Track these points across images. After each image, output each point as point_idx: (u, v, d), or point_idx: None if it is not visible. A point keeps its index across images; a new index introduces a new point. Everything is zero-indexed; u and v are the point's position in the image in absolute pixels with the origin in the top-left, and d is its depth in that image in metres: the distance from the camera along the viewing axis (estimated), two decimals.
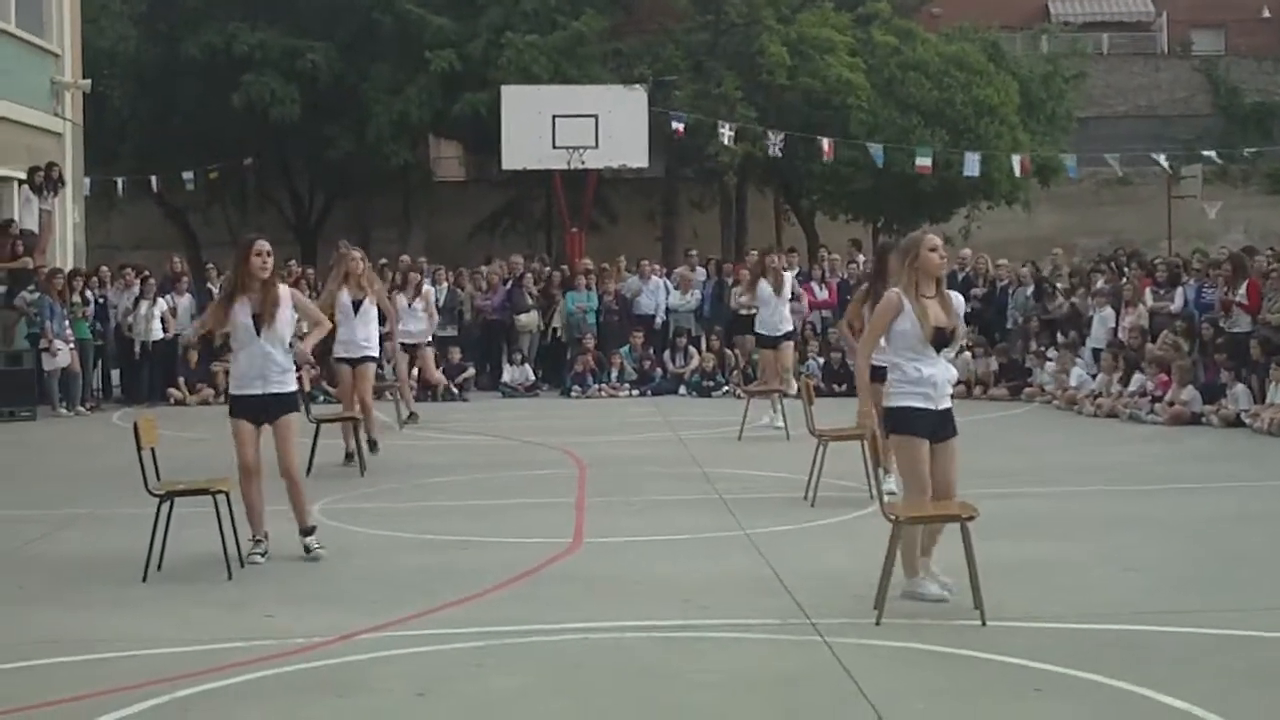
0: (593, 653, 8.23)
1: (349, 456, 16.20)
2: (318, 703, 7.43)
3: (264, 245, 10.91)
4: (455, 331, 26.82)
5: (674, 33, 38.49)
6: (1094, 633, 8.44)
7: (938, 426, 9.13)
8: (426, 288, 21.73)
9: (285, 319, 10.87)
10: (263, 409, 10.77)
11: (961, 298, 9.50)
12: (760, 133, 34.79)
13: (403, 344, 20.59)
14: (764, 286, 19.54)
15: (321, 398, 23.40)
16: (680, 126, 34.00)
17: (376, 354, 17.12)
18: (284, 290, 11.01)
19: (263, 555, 10.77)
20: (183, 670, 7.83)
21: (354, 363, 16.48)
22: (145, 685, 7.58)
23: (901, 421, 9.16)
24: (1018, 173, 35.45)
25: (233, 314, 10.80)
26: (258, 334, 10.72)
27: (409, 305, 20.67)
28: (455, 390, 25.25)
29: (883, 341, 9.32)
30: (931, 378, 9.08)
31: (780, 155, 34.77)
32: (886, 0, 39.77)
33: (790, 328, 20.39)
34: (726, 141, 34.56)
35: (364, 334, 16.49)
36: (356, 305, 16.32)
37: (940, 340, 9.09)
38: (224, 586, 10.04)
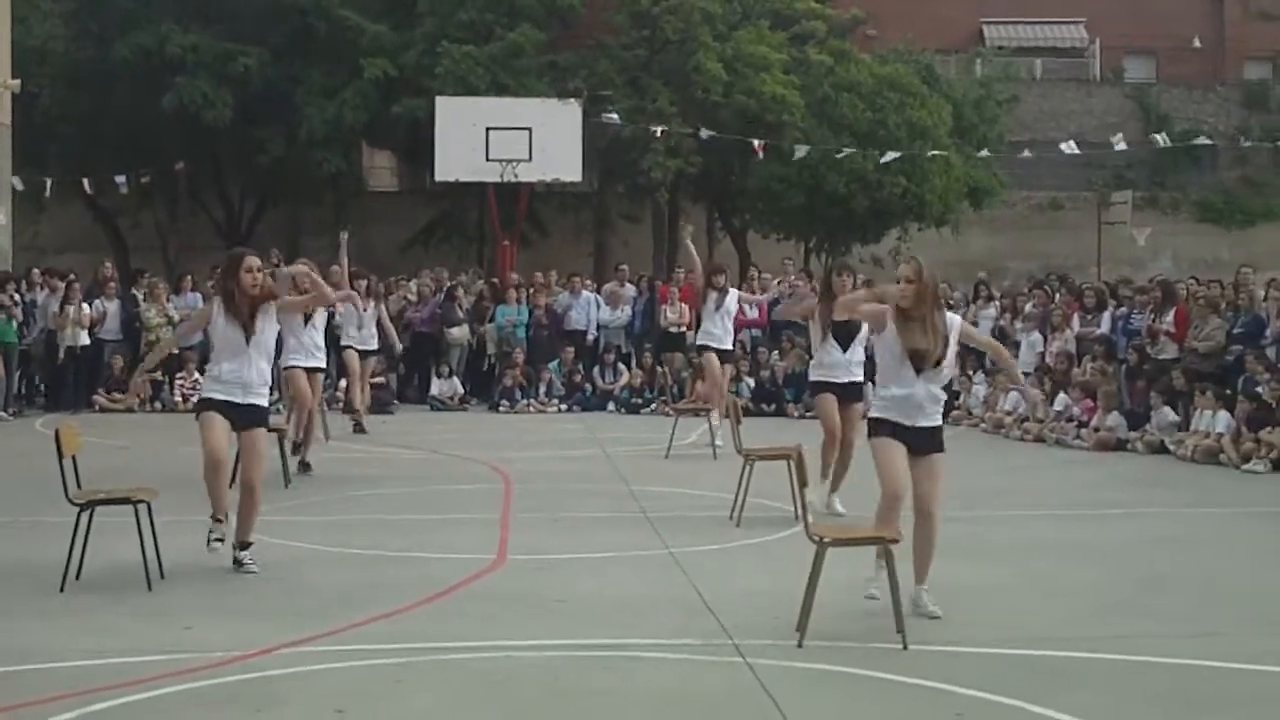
0: (514, 671, 8.19)
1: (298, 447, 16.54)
2: (235, 718, 7.35)
3: (254, 261, 11.03)
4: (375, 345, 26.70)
5: (610, 48, 38.50)
6: (1016, 658, 8.46)
7: (915, 441, 9.29)
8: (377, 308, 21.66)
9: (272, 331, 11.07)
10: (238, 417, 10.80)
11: (956, 322, 9.58)
12: (690, 141, 34.88)
13: (354, 348, 20.54)
14: (712, 298, 19.48)
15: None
16: (614, 116, 34.01)
17: (325, 364, 17.38)
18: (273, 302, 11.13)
19: (220, 540, 10.73)
20: (98, 683, 7.74)
21: (309, 372, 16.75)
22: (59, 699, 7.49)
23: (874, 428, 9.43)
24: (929, 153, 35.53)
25: (222, 325, 10.82)
26: (247, 344, 10.79)
27: (362, 310, 20.53)
28: (378, 400, 25.08)
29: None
30: (906, 397, 9.27)
31: (705, 156, 34.84)
32: (822, 20, 39.96)
33: (731, 346, 20.31)
34: (657, 135, 34.65)
35: (313, 343, 16.80)
36: (307, 317, 16.47)
37: (918, 362, 9.18)
38: (143, 597, 9.94)
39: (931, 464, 9.36)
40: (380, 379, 25.48)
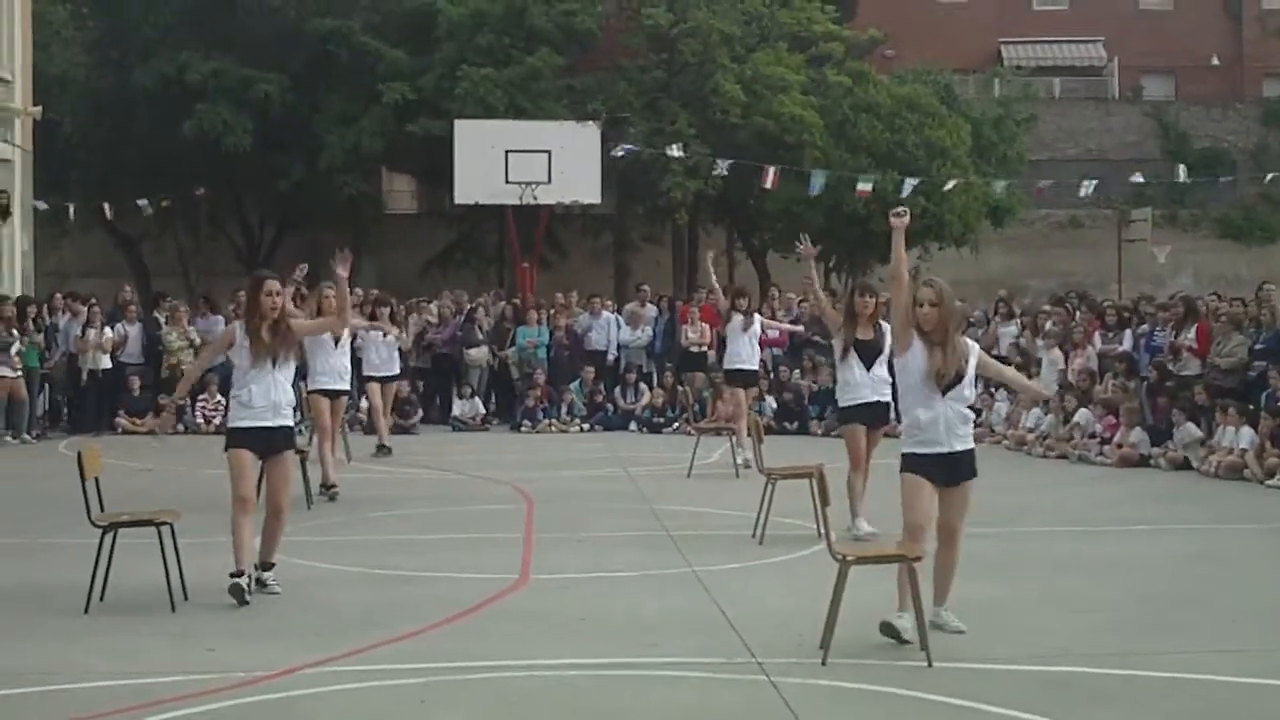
0: (538, 690, 8.17)
1: (327, 488, 16.35)
2: None
3: (274, 285, 10.93)
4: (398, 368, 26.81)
5: (628, 70, 38.56)
6: (1041, 675, 8.41)
7: (945, 471, 9.18)
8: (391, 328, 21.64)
9: (294, 352, 11.07)
10: (269, 442, 10.74)
11: (974, 348, 9.49)
12: (709, 162, 34.85)
13: (375, 376, 20.73)
14: (737, 321, 19.46)
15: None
16: (623, 152, 33.94)
17: (349, 387, 17.45)
18: (291, 324, 11.07)
19: (240, 578, 10.59)
20: (123, 704, 7.74)
21: (333, 395, 16.84)
22: (84, 719, 7.48)
23: (905, 463, 9.29)
24: (947, 186, 35.33)
25: (246, 348, 10.78)
26: (273, 365, 10.73)
27: (383, 336, 20.72)
28: (403, 425, 25.12)
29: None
30: (933, 421, 9.15)
31: (725, 177, 34.77)
32: (840, 41, 39.96)
33: (755, 367, 20.32)
34: (676, 152, 34.49)
35: (341, 366, 16.81)
36: (336, 339, 16.54)
37: (941, 382, 9.14)
38: (167, 619, 9.94)
39: (964, 494, 9.29)
40: (411, 422, 25.52)
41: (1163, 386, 20.83)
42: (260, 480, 11.06)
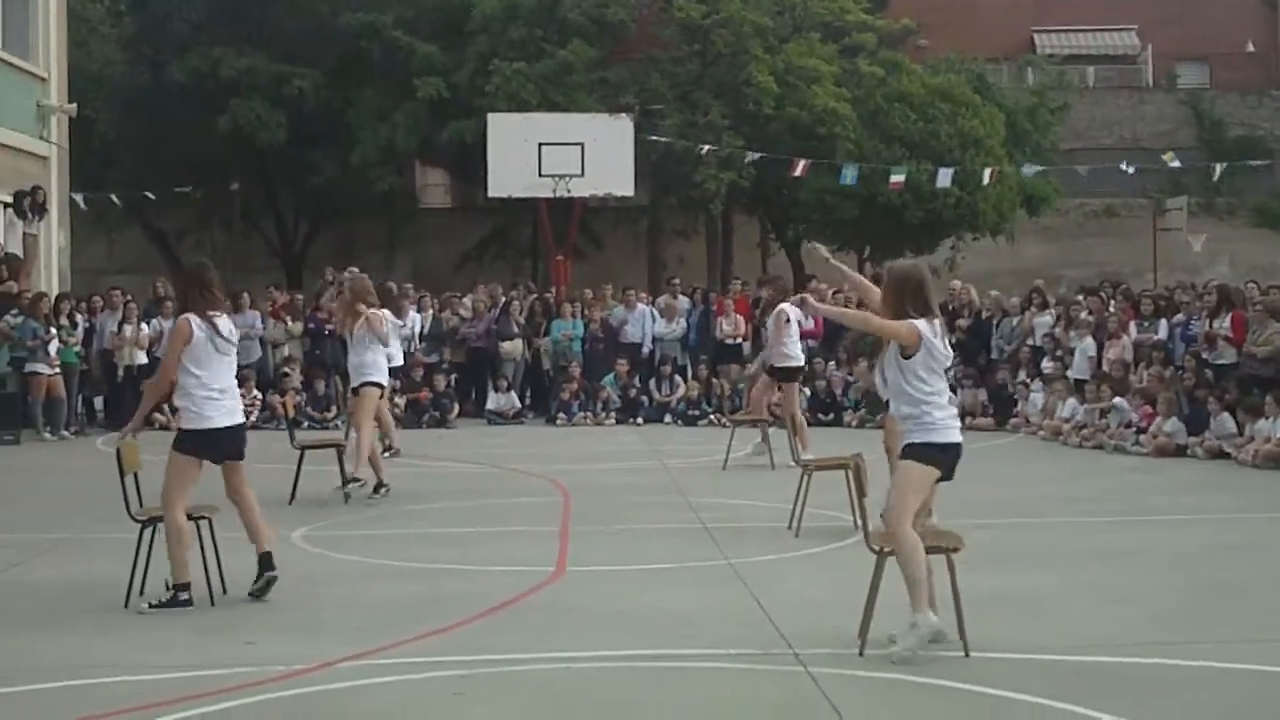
0: (573, 683, 8.18)
1: (378, 487, 16.00)
2: None
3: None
4: (438, 359, 26.86)
5: (661, 62, 38.59)
6: (1077, 665, 8.41)
7: None
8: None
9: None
10: None
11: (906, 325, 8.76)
12: (740, 154, 34.84)
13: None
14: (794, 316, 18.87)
15: (306, 424, 23.56)
16: (661, 140, 33.86)
17: (374, 379, 16.72)
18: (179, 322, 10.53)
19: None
20: (162, 697, 7.78)
21: (355, 390, 16.48)
22: (124, 712, 7.53)
23: None
24: (985, 180, 35.18)
25: None
26: None
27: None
28: (438, 416, 25.17)
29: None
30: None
31: (757, 168, 34.73)
32: (873, 31, 39.91)
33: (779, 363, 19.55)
34: (703, 153, 34.47)
35: (356, 361, 16.37)
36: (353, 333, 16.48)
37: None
38: (206, 613, 9.98)
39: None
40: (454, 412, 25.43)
41: (1199, 375, 20.76)
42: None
